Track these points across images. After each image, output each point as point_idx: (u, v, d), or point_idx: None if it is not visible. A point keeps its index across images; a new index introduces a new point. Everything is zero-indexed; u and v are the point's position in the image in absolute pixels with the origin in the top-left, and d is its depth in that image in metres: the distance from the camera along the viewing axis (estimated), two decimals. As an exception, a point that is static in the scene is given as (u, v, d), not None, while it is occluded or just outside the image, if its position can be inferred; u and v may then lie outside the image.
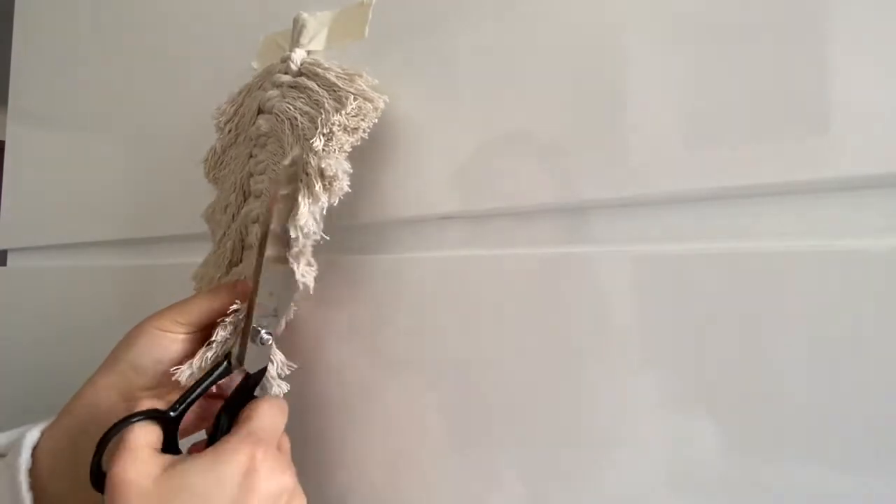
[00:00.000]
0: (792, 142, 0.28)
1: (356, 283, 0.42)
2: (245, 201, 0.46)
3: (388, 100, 0.39)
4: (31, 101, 0.80)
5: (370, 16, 0.44)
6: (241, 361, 0.37)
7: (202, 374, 0.38)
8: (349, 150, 0.38)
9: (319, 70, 0.42)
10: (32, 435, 0.39)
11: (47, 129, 0.76)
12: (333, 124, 0.38)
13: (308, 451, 0.44)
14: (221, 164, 0.47)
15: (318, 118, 0.39)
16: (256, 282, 0.37)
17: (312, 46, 0.46)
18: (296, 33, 0.46)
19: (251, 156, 0.45)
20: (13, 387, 0.73)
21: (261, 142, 0.44)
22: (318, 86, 0.41)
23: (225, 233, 0.46)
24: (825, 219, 0.27)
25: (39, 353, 0.71)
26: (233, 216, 0.46)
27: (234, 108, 0.47)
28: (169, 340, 0.39)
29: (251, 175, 0.45)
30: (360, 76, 0.40)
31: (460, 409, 0.37)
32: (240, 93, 0.47)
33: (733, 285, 0.29)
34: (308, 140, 0.38)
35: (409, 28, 0.42)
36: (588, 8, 0.34)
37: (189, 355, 0.39)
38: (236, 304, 0.39)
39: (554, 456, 0.34)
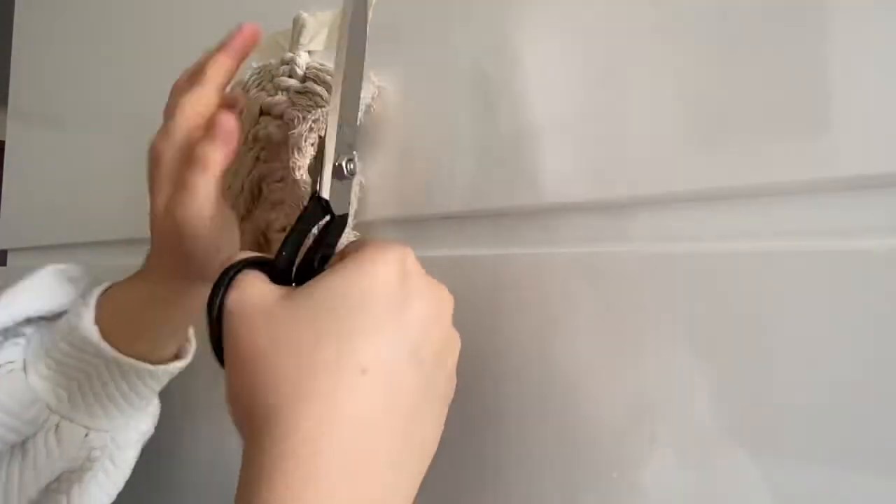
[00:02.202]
0: (792, 142, 0.28)
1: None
2: (255, 204, 0.46)
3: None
4: (31, 101, 0.80)
5: (370, 16, 0.44)
6: (327, 201, 0.32)
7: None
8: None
9: (328, 77, 0.42)
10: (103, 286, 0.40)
11: (47, 129, 0.76)
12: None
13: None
14: None
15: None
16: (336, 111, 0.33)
17: (312, 46, 0.46)
18: (296, 33, 0.46)
19: (258, 159, 0.46)
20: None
21: (273, 148, 0.44)
22: (328, 92, 0.41)
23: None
24: (825, 219, 0.27)
25: (39, 353, 0.71)
26: (241, 219, 0.46)
27: None
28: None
29: (262, 179, 0.45)
30: (368, 79, 0.40)
31: (454, 408, 0.37)
32: (233, 89, 0.47)
33: (733, 285, 0.29)
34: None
35: (408, 28, 0.42)
36: (588, 8, 0.34)
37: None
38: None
39: (556, 453, 0.34)
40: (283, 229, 0.43)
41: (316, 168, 0.33)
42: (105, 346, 0.37)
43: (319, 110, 0.40)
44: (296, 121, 0.42)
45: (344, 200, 0.33)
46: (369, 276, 0.26)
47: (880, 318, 0.25)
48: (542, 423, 0.34)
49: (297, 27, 0.46)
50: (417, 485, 0.26)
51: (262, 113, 0.46)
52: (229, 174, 0.47)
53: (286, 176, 0.44)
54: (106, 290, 0.40)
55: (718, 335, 0.29)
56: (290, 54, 0.44)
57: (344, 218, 0.33)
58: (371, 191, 0.42)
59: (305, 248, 0.32)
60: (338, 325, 0.25)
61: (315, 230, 0.32)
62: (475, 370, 0.36)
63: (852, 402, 0.26)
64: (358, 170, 0.36)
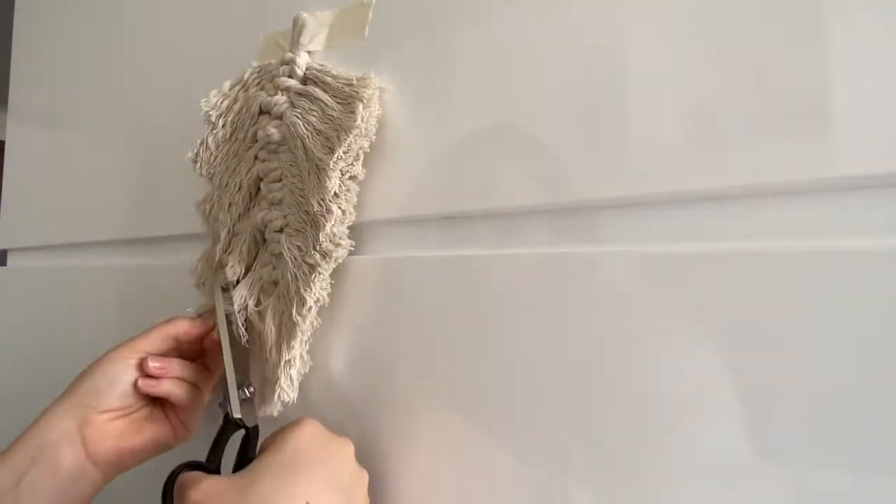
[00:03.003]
0: (792, 142, 0.28)
1: (356, 283, 0.42)
2: (253, 203, 0.46)
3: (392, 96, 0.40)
4: (31, 101, 0.80)
5: (370, 16, 0.44)
6: (239, 420, 0.42)
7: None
8: (363, 154, 0.41)
9: (329, 79, 0.42)
10: None
11: (47, 129, 0.76)
12: (351, 143, 0.40)
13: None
14: (216, 160, 0.47)
15: (334, 137, 0.40)
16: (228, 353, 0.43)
17: (313, 46, 0.46)
18: (296, 33, 0.46)
19: (257, 158, 0.46)
20: (13, 386, 0.73)
21: (271, 148, 0.45)
22: (331, 97, 0.41)
23: (231, 231, 0.47)
24: (825, 219, 0.27)
25: (39, 353, 0.71)
26: (239, 216, 0.46)
27: (228, 102, 0.47)
28: (126, 365, 0.42)
29: (261, 179, 0.45)
30: (370, 81, 0.40)
31: (462, 407, 0.37)
32: (232, 87, 0.47)
33: (733, 285, 0.29)
34: (320, 162, 0.41)
35: (408, 29, 0.42)
36: (588, 8, 0.34)
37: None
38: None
39: (553, 453, 0.33)
40: (281, 230, 0.44)
41: (223, 393, 0.43)
42: None
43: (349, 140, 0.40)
44: (293, 127, 0.42)
45: (252, 415, 0.43)
46: (291, 441, 0.36)
47: (880, 318, 0.25)
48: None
49: (297, 27, 0.46)
50: None
51: (261, 112, 0.46)
52: (227, 171, 0.47)
53: (285, 176, 0.44)
54: None
55: (718, 335, 0.29)
56: (291, 54, 0.44)
57: (256, 428, 0.43)
58: (369, 193, 0.42)
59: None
60: (281, 478, 0.34)
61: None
62: (476, 371, 0.37)
63: (852, 401, 0.26)
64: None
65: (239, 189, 0.46)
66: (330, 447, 0.37)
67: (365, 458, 0.40)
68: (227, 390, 0.42)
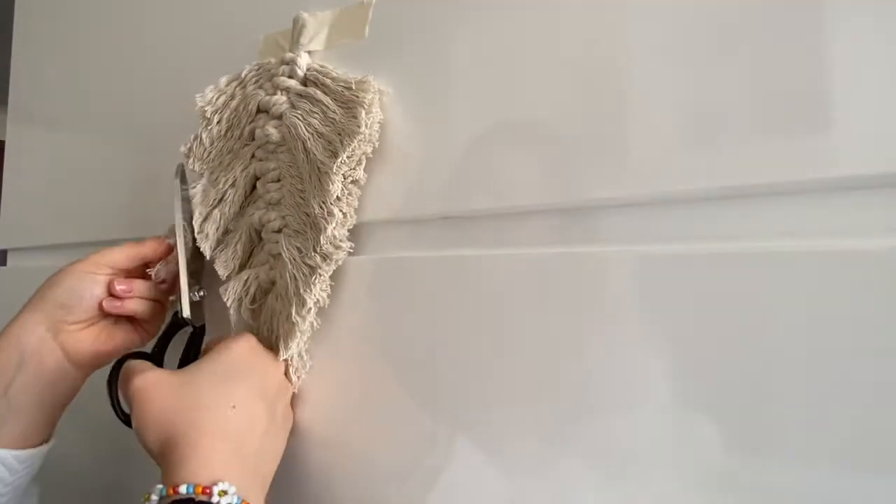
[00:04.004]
0: (792, 142, 0.28)
1: (355, 284, 0.42)
2: (248, 201, 0.46)
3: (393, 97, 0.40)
4: (31, 101, 0.80)
5: (370, 16, 0.44)
6: (188, 318, 0.46)
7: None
8: (365, 159, 0.41)
9: (329, 81, 0.42)
10: None
11: (47, 129, 0.76)
12: (355, 148, 0.40)
13: (310, 450, 0.44)
14: (209, 155, 0.47)
15: (336, 142, 0.40)
16: (183, 255, 0.46)
17: (313, 46, 0.46)
18: (296, 33, 0.46)
19: (254, 156, 0.46)
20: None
21: (269, 148, 0.45)
22: (332, 100, 0.41)
23: (220, 227, 0.47)
24: (825, 219, 0.27)
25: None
26: (233, 214, 0.46)
27: (224, 98, 0.47)
28: (93, 280, 0.45)
29: (258, 178, 0.45)
30: (369, 85, 0.40)
31: (463, 408, 0.37)
32: (229, 83, 0.47)
33: (733, 285, 0.29)
34: (323, 166, 0.41)
35: (409, 28, 0.42)
36: (588, 7, 0.34)
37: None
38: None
39: (550, 454, 0.33)
40: (280, 230, 0.44)
41: (177, 294, 0.47)
42: None
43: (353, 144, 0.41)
44: (293, 128, 0.42)
45: (201, 316, 0.47)
46: (228, 352, 0.41)
47: (880, 318, 0.25)
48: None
49: (297, 27, 0.46)
50: (274, 465, 0.40)
51: (258, 110, 0.46)
52: (219, 167, 0.47)
53: (283, 176, 0.44)
54: None
55: (718, 335, 0.29)
56: (291, 54, 0.44)
57: (203, 328, 0.47)
58: (369, 193, 0.42)
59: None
60: (214, 382, 0.39)
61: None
62: (475, 371, 0.37)
63: (852, 401, 0.26)
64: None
65: (232, 186, 0.46)
66: (260, 362, 0.41)
67: (363, 457, 0.40)
68: (180, 291, 0.46)
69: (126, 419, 0.40)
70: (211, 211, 0.47)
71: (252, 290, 0.45)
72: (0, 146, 0.86)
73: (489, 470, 0.36)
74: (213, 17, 0.56)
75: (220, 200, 0.46)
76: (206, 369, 0.39)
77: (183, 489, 0.33)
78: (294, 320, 0.41)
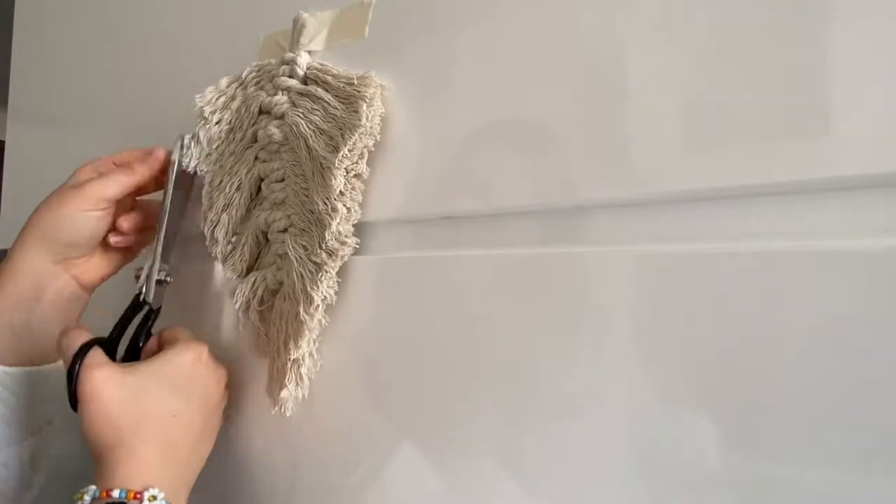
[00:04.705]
0: (792, 142, 0.28)
1: (359, 283, 0.42)
2: (254, 204, 0.46)
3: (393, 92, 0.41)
4: (31, 101, 0.80)
5: (370, 16, 0.44)
6: (148, 300, 0.47)
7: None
8: (367, 153, 0.41)
9: (330, 78, 0.42)
10: None
11: (47, 129, 0.76)
12: (356, 142, 0.40)
13: (308, 448, 0.44)
14: (210, 157, 0.47)
15: (338, 136, 0.40)
16: (161, 231, 0.47)
17: (313, 46, 0.46)
18: (296, 33, 0.46)
19: (257, 158, 0.46)
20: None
21: (272, 148, 0.45)
22: (333, 96, 0.41)
23: (229, 231, 0.47)
24: (825, 219, 0.27)
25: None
26: (240, 217, 0.46)
27: (224, 99, 0.47)
28: (95, 219, 0.47)
29: (262, 179, 0.45)
30: (371, 80, 0.40)
31: (458, 408, 0.37)
32: (229, 84, 0.47)
33: (733, 285, 0.29)
34: (325, 161, 0.40)
35: (408, 28, 0.42)
36: (588, 7, 0.34)
37: (111, 226, 0.48)
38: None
39: (548, 455, 0.33)
40: (285, 230, 0.44)
41: (142, 278, 0.48)
42: None
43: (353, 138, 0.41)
44: (295, 127, 0.42)
45: (160, 298, 0.48)
46: (178, 360, 0.43)
47: (880, 318, 0.25)
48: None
49: (298, 27, 0.46)
50: (199, 470, 0.43)
51: (261, 112, 0.46)
52: (220, 169, 0.47)
53: (287, 176, 0.44)
54: None
55: (718, 335, 0.29)
56: (291, 54, 0.44)
57: (159, 310, 0.48)
58: (372, 193, 0.42)
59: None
60: (161, 389, 0.42)
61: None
62: (476, 371, 0.37)
63: (852, 401, 0.26)
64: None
65: (238, 189, 0.46)
66: (206, 374, 0.44)
67: (367, 455, 0.40)
68: (150, 270, 0.47)
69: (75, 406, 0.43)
70: (220, 216, 0.47)
71: (260, 291, 0.45)
72: (0, 146, 0.86)
73: (500, 468, 0.36)
74: (213, 17, 0.56)
75: (228, 205, 0.46)
76: (156, 373, 0.42)
77: (116, 493, 0.36)
78: (302, 318, 0.41)
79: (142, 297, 0.47)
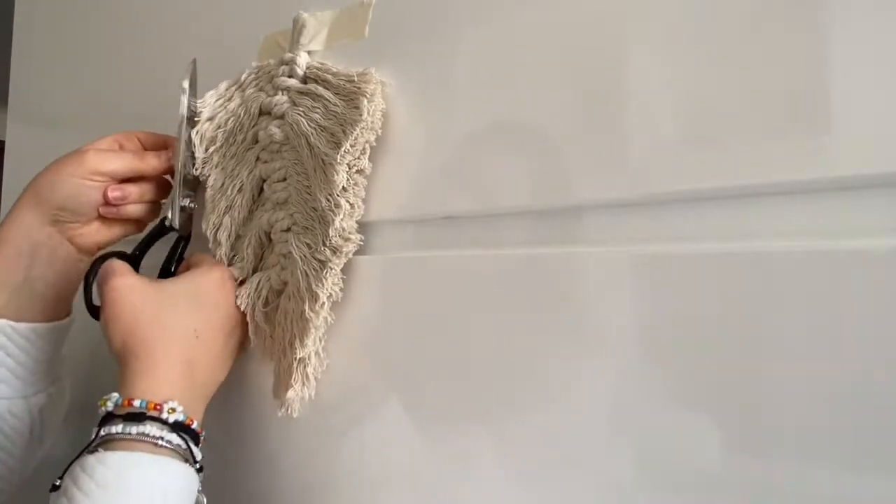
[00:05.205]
0: (792, 142, 0.28)
1: (363, 283, 0.42)
2: (256, 205, 0.46)
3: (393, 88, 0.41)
4: (31, 101, 0.80)
5: (370, 16, 0.44)
6: (174, 225, 0.47)
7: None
8: (369, 148, 0.41)
9: (329, 76, 0.42)
10: None
11: (47, 129, 0.76)
12: (358, 136, 0.40)
13: (308, 447, 0.44)
14: (211, 160, 0.47)
15: (339, 132, 0.40)
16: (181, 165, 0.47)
17: (313, 46, 0.46)
18: (296, 33, 0.46)
19: (259, 159, 0.45)
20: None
21: (273, 148, 0.45)
22: (333, 94, 0.41)
23: (232, 234, 0.47)
24: (825, 219, 0.27)
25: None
26: (243, 219, 0.46)
27: (222, 101, 0.47)
28: (87, 187, 0.47)
29: (264, 180, 0.45)
30: (371, 76, 0.40)
31: (462, 407, 0.37)
32: (228, 87, 0.47)
33: (733, 285, 0.29)
34: (327, 157, 0.40)
35: (408, 28, 0.42)
36: (587, 7, 0.34)
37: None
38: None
39: (547, 454, 0.34)
40: (289, 229, 0.44)
41: (167, 203, 0.48)
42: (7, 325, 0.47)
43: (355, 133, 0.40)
44: (296, 125, 0.42)
45: (188, 225, 0.49)
46: (204, 279, 0.45)
47: (880, 318, 0.25)
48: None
49: (298, 27, 0.46)
50: (216, 387, 0.44)
51: (261, 113, 0.46)
52: (221, 172, 0.47)
53: (289, 175, 0.44)
54: None
55: (718, 335, 0.29)
56: (290, 54, 0.44)
57: (189, 237, 0.49)
58: (375, 193, 0.42)
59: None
60: (186, 304, 0.43)
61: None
62: (469, 362, 0.37)
63: (852, 401, 0.26)
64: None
65: (240, 191, 0.46)
66: (229, 296, 0.45)
67: (371, 455, 0.40)
68: (173, 196, 0.47)
69: (94, 312, 0.44)
70: (222, 219, 0.47)
71: (264, 292, 0.45)
72: (0, 146, 0.86)
73: (502, 468, 0.36)
74: (213, 17, 0.56)
75: (230, 207, 0.46)
76: (182, 290, 0.43)
77: (137, 403, 0.38)
78: (308, 316, 0.41)
79: (167, 221, 0.47)
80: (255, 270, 0.46)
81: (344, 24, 0.45)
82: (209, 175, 0.48)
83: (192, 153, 0.48)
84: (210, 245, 0.48)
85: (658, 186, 0.31)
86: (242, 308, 0.46)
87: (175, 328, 0.41)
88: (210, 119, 0.47)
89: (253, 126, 0.46)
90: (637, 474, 0.31)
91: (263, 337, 0.45)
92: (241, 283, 0.46)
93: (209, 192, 0.48)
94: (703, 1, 0.30)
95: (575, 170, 0.34)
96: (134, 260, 0.47)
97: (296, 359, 0.42)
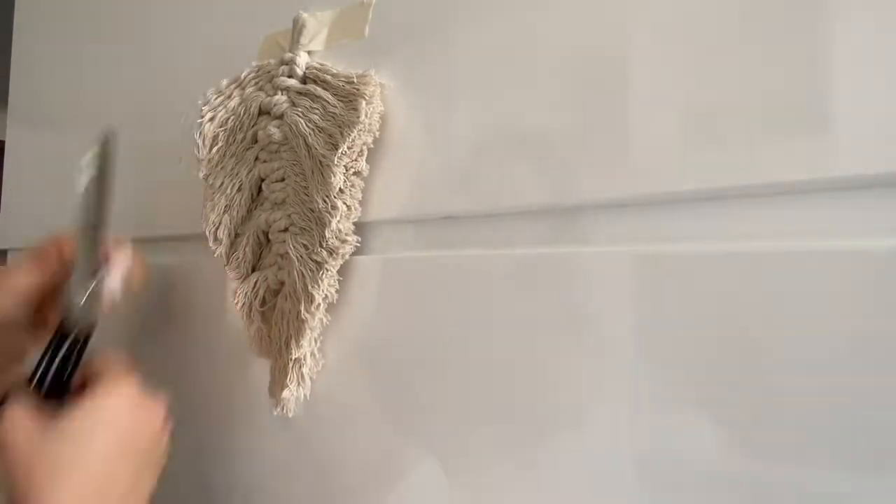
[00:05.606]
0: (792, 142, 0.28)
1: (361, 283, 0.42)
2: (255, 204, 0.46)
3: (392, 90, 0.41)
4: (31, 101, 0.80)
5: (370, 16, 0.44)
6: (75, 322, 0.41)
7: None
8: (366, 150, 0.41)
9: (329, 77, 0.42)
10: None
11: (47, 129, 0.76)
12: (355, 139, 0.40)
13: (309, 450, 0.44)
14: (212, 160, 0.47)
15: (336, 134, 0.40)
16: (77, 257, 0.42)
17: (312, 46, 0.46)
18: (296, 33, 0.46)
19: (258, 158, 0.46)
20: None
21: (272, 148, 0.45)
22: (332, 95, 0.41)
23: (231, 233, 0.47)
24: (825, 219, 0.27)
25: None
26: (242, 219, 0.46)
27: (222, 99, 0.47)
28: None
29: (262, 180, 0.45)
30: (370, 78, 0.40)
31: (460, 408, 0.37)
32: (228, 86, 0.47)
33: (733, 285, 0.29)
34: (324, 159, 0.40)
35: (408, 28, 0.42)
36: (589, 6, 0.34)
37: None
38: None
39: (551, 454, 0.33)
40: (286, 229, 0.44)
41: (64, 301, 0.42)
42: None
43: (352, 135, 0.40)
44: (294, 126, 0.42)
45: (94, 314, 0.42)
46: (101, 406, 0.38)
47: (880, 318, 0.25)
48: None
49: (298, 27, 0.46)
50: None
51: (260, 112, 0.46)
52: (221, 172, 0.47)
53: (287, 175, 0.44)
54: None
55: (718, 335, 0.29)
56: (290, 54, 0.44)
57: (89, 334, 0.42)
58: (373, 193, 0.42)
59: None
60: (80, 441, 0.36)
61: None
62: (468, 363, 0.37)
63: (852, 401, 0.26)
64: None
65: (239, 190, 0.46)
66: (134, 417, 0.39)
67: (371, 457, 0.40)
68: (75, 283, 0.41)
69: None
70: (222, 217, 0.47)
71: (261, 292, 0.45)
72: (0, 146, 0.86)
73: (500, 465, 0.36)
74: (212, 17, 0.56)
75: (229, 206, 0.47)
76: (77, 424, 0.37)
77: None
78: (303, 317, 0.41)
79: (70, 319, 0.41)
80: (253, 269, 0.46)
81: (344, 24, 0.45)
82: (209, 174, 0.48)
83: (94, 220, 0.44)
84: (210, 244, 0.48)
85: (657, 186, 0.31)
86: (238, 308, 0.45)
87: (72, 468, 0.36)
88: (212, 119, 0.47)
89: (252, 126, 0.46)
90: (638, 473, 0.31)
91: (261, 336, 0.45)
92: (241, 281, 0.46)
93: (208, 191, 0.48)
94: (703, 1, 0.30)
95: (574, 170, 0.34)
96: (39, 384, 0.40)
97: (291, 359, 0.42)
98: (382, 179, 0.42)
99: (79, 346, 0.41)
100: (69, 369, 0.41)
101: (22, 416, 0.37)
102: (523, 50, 0.36)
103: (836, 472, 0.26)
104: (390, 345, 0.41)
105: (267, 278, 0.45)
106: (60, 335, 0.41)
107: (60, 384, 0.40)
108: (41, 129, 0.77)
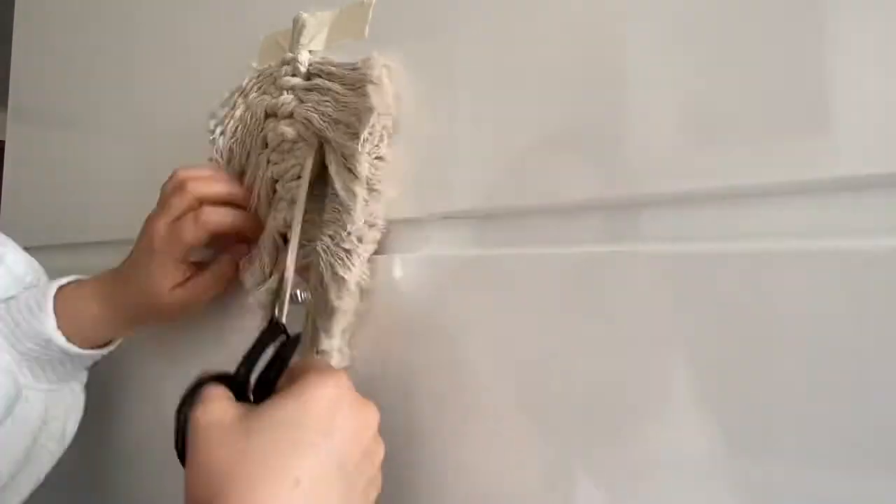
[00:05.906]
0: (793, 142, 0.28)
1: (387, 283, 0.42)
2: (271, 206, 0.46)
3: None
4: (31, 101, 0.80)
5: (370, 15, 0.44)
6: (284, 326, 0.38)
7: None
8: (387, 134, 0.41)
9: (333, 69, 0.42)
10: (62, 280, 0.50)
11: (47, 129, 0.76)
12: (375, 123, 0.39)
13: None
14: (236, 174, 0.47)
15: (354, 122, 0.40)
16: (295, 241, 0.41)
17: (313, 46, 0.46)
18: (296, 33, 0.46)
19: (269, 161, 0.45)
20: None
21: (285, 147, 0.44)
22: (340, 85, 0.41)
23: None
24: (825, 219, 0.27)
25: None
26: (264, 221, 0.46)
27: (228, 111, 0.47)
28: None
29: (276, 181, 0.45)
30: (374, 61, 0.40)
31: (469, 409, 0.37)
32: (232, 95, 0.47)
33: (733, 285, 0.29)
34: (346, 149, 0.40)
35: (409, 27, 0.42)
36: (590, 7, 0.34)
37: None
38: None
39: (576, 455, 0.34)
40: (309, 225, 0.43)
41: (273, 299, 0.41)
42: (70, 347, 0.48)
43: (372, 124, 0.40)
44: (308, 121, 0.42)
45: (296, 324, 0.40)
46: (305, 404, 0.32)
47: (880, 318, 0.25)
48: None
49: (298, 27, 0.46)
50: None
51: (266, 116, 0.45)
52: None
53: (304, 173, 0.43)
54: (59, 290, 0.49)
55: (718, 335, 0.29)
56: (290, 54, 0.44)
57: (298, 337, 0.38)
58: (381, 193, 0.41)
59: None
60: (279, 444, 0.31)
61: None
62: (479, 363, 0.37)
63: (852, 401, 0.26)
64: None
65: (256, 196, 0.46)
66: (345, 417, 0.33)
67: (394, 456, 0.40)
68: (282, 287, 0.39)
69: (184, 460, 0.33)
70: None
71: (288, 293, 0.43)
72: (0, 146, 0.86)
73: (519, 467, 0.36)
74: (213, 18, 0.56)
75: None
76: (279, 419, 0.32)
77: None
78: (335, 305, 0.40)
79: (276, 319, 0.38)
80: (270, 274, 0.46)
81: (344, 24, 0.45)
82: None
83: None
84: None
85: (656, 186, 0.31)
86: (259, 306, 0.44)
87: (265, 480, 0.30)
88: (223, 133, 0.47)
89: (261, 130, 0.46)
90: (639, 472, 0.31)
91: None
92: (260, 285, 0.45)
93: None
94: (703, 1, 0.30)
95: (574, 170, 0.34)
96: (239, 383, 0.35)
97: (317, 351, 0.41)
98: (388, 182, 0.41)
99: (289, 347, 0.37)
100: (275, 372, 0.37)
101: (218, 407, 0.32)
102: (523, 49, 0.36)
103: (837, 472, 0.26)
104: (421, 344, 0.40)
105: (287, 279, 0.42)
106: (271, 332, 0.38)
107: (267, 384, 0.36)
108: (41, 129, 0.77)
